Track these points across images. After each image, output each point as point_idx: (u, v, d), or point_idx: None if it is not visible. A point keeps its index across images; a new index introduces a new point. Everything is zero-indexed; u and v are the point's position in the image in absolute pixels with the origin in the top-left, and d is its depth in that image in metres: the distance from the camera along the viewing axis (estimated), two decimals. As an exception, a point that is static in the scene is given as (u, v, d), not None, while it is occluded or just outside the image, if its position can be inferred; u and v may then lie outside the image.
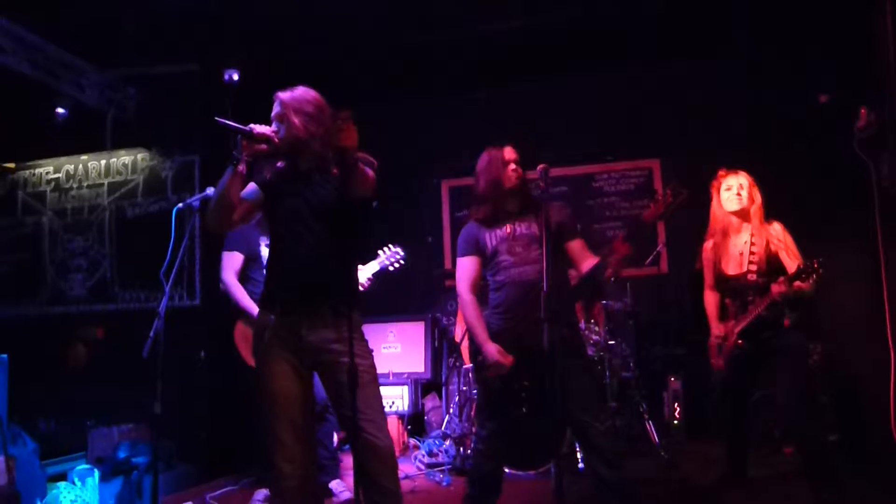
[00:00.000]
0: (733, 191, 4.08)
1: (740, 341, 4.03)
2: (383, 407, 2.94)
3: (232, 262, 4.55)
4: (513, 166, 3.61)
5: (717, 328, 4.22)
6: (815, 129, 6.05)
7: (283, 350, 2.83)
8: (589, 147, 7.19)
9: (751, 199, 4.08)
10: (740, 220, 4.12)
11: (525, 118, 7.02)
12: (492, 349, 3.45)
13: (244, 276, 4.58)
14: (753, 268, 4.00)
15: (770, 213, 4.14)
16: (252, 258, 4.58)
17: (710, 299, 4.33)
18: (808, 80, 6.22)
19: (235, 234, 4.53)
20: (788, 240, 4.01)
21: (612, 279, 3.93)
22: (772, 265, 3.97)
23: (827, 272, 3.65)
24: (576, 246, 3.61)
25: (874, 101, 4.86)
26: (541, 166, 3.39)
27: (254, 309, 4.35)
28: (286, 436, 2.81)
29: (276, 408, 2.81)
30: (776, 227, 4.05)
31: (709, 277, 4.32)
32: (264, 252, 4.50)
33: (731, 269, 4.13)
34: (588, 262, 3.54)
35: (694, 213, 4.31)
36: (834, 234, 4.56)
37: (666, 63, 6.86)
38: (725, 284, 4.17)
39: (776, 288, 3.76)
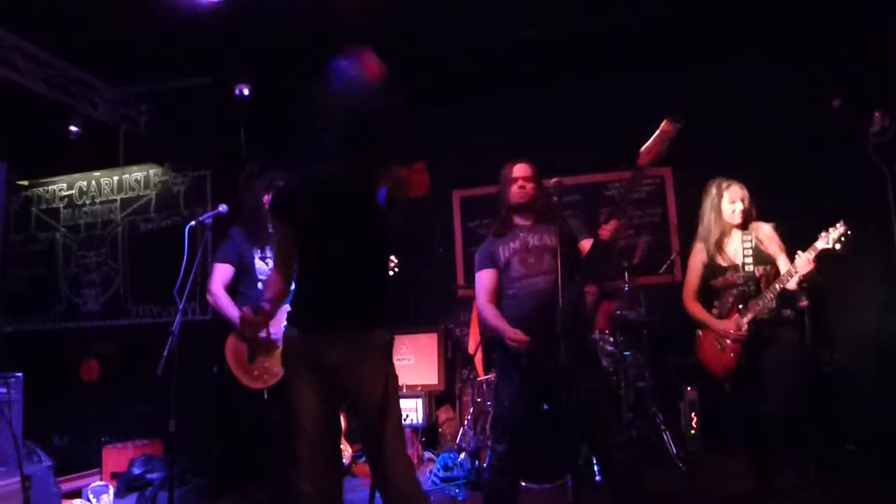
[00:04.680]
0: (738, 205, 4.12)
1: (749, 330, 3.98)
2: (403, 435, 2.78)
3: (222, 274, 4.40)
4: (520, 183, 3.63)
5: (723, 324, 4.09)
6: (828, 134, 6.01)
7: (305, 369, 2.72)
8: (601, 155, 7.14)
9: (750, 208, 4.15)
10: (737, 227, 4.18)
11: (537, 126, 7.00)
12: (511, 331, 3.41)
13: (234, 291, 4.43)
14: (749, 259, 4.05)
15: (782, 219, 4.15)
16: (244, 271, 4.44)
17: (697, 306, 4.28)
18: (821, 85, 6.19)
19: (227, 247, 4.44)
20: (778, 239, 4.08)
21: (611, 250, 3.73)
22: (765, 257, 4.05)
23: (842, 279, 3.62)
24: (586, 244, 3.57)
25: (888, 105, 4.82)
26: (554, 180, 3.40)
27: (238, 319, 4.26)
28: (307, 455, 2.70)
29: (297, 426, 2.71)
30: (766, 228, 4.13)
31: (694, 282, 4.29)
32: (258, 265, 4.44)
33: (724, 262, 4.16)
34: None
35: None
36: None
37: (677, 70, 6.84)
38: (722, 277, 4.14)
39: (803, 263, 3.73)
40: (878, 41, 5.60)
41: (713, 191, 4.23)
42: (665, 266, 6.22)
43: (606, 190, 7.26)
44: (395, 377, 2.79)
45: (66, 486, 5.16)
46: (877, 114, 5.10)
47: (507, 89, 7.16)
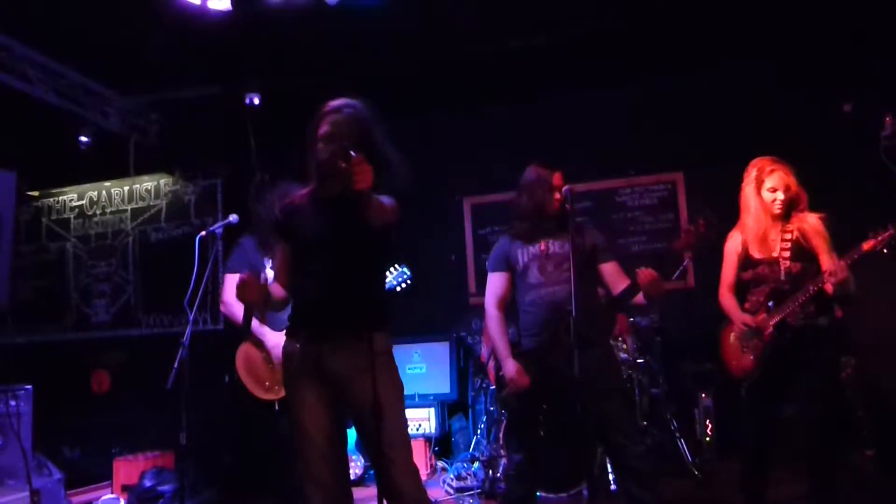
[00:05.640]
0: (779, 194, 3.71)
1: (775, 333, 3.61)
2: (409, 441, 2.78)
3: (234, 284, 4.40)
4: (558, 194, 3.59)
5: (746, 318, 3.74)
6: (839, 137, 5.96)
7: (309, 379, 2.75)
8: (611, 161, 7.10)
9: (795, 197, 3.74)
10: (779, 217, 3.77)
11: (547, 133, 6.95)
12: (511, 366, 3.47)
13: None
14: (787, 254, 3.66)
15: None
16: None
17: (729, 299, 3.89)
18: (833, 89, 6.15)
19: (238, 257, 4.39)
20: (825, 233, 3.67)
21: (646, 303, 3.82)
22: (806, 253, 3.65)
23: (858, 282, 3.52)
24: (610, 268, 3.58)
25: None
26: (565, 188, 3.38)
27: (257, 328, 4.18)
28: (316, 465, 2.71)
29: (305, 436, 2.73)
30: (812, 220, 3.72)
31: (729, 274, 3.91)
32: (270, 275, 4.42)
33: (759, 253, 3.76)
34: (621, 284, 3.49)
35: (720, 227, 4.20)
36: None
37: (687, 74, 6.79)
38: (753, 270, 3.77)
39: (834, 269, 3.39)
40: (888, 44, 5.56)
41: (754, 174, 3.80)
42: (678, 272, 6.17)
43: (617, 196, 7.20)
44: (398, 383, 2.81)
45: (76, 499, 5.15)
46: (888, 118, 5.05)
47: (517, 97, 7.13)
